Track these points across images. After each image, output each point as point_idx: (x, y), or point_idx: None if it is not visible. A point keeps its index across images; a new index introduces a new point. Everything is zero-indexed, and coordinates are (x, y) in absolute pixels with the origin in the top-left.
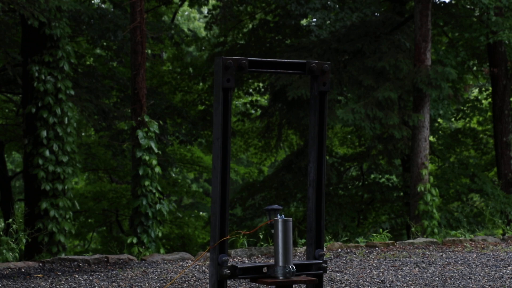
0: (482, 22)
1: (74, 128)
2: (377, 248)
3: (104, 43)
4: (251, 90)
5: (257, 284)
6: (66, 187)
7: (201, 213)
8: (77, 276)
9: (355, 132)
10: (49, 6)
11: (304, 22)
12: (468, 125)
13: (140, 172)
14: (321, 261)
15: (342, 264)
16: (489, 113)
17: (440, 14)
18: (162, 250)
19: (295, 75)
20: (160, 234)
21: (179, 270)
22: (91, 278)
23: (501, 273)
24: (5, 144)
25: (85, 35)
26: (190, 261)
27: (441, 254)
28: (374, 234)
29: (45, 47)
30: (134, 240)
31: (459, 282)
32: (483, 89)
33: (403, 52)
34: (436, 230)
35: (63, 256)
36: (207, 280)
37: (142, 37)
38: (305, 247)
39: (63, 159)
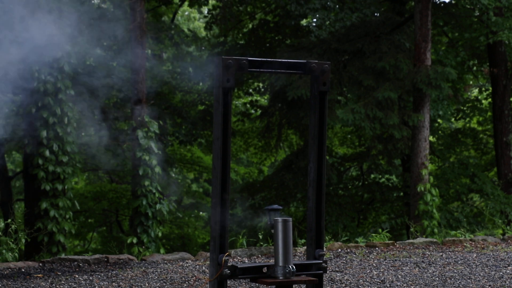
0: (482, 22)
1: (74, 128)
2: (377, 248)
3: (104, 43)
4: (251, 90)
5: (257, 284)
6: (66, 187)
7: (201, 213)
8: (77, 276)
9: (355, 132)
10: (49, 6)
11: (304, 22)
12: (468, 125)
13: (140, 172)
14: (321, 261)
15: (342, 264)
16: (489, 113)
17: (440, 14)
18: (162, 250)
19: (295, 75)
20: (160, 234)
21: (179, 270)
22: (91, 278)
23: (501, 273)
24: (5, 144)
25: (85, 35)
26: (190, 261)
27: (441, 254)
28: (374, 234)
29: (45, 47)
30: (134, 240)
31: (459, 282)
32: (483, 89)
33: (403, 52)
34: (436, 230)
35: (63, 256)
36: (207, 280)
37: (142, 37)
38: (305, 247)
39: (63, 159)
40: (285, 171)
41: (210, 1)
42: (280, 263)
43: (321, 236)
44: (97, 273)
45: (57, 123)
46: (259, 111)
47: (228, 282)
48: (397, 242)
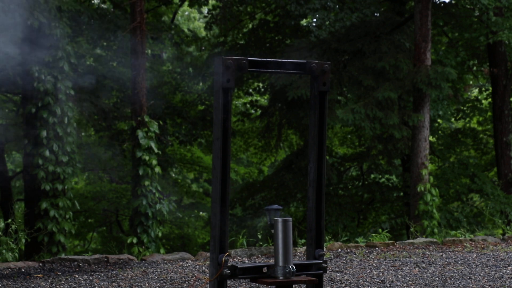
0: (482, 22)
1: (74, 128)
2: (377, 248)
3: (104, 43)
4: (251, 90)
5: (257, 284)
6: (66, 187)
7: (201, 213)
8: (77, 276)
9: (355, 132)
10: (49, 6)
11: (304, 22)
12: (468, 125)
13: (140, 172)
14: (321, 261)
15: (342, 264)
16: (489, 113)
17: (440, 14)
18: (162, 250)
19: (295, 75)
20: (160, 234)
21: (179, 270)
22: (91, 278)
23: (501, 273)
24: (5, 144)
25: (85, 35)
26: (190, 261)
27: (441, 254)
28: (374, 234)
29: (45, 47)
30: (134, 240)
31: (459, 282)
32: (483, 89)
33: (403, 52)
34: (436, 230)
35: (63, 256)
36: (207, 280)
37: (142, 37)
38: (305, 247)
39: (63, 159)
40: (285, 171)
41: (210, 1)
42: (280, 263)
43: (321, 236)
44: (97, 273)
45: (57, 123)
46: (259, 111)
47: (228, 282)
48: (397, 242)
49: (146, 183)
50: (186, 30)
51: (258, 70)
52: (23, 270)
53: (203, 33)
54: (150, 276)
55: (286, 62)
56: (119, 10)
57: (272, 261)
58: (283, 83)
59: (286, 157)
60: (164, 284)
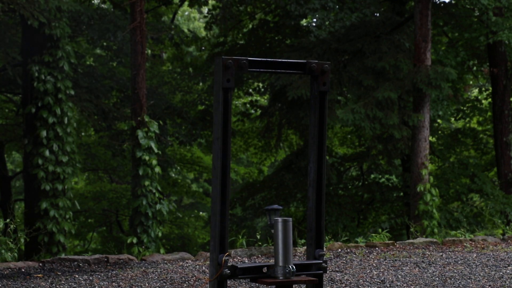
0: (482, 22)
1: (74, 128)
2: (377, 248)
3: (104, 43)
4: (251, 90)
5: (257, 284)
6: (66, 187)
7: (201, 213)
8: (77, 276)
9: (355, 132)
10: (49, 6)
11: (303, 22)
12: (468, 125)
13: (140, 172)
14: (321, 261)
15: (342, 264)
16: (489, 113)
17: (440, 14)
18: (162, 250)
19: (295, 75)
20: (160, 234)
21: (179, 270)
22: (91, 278)
23: (501, 273)
24: (5, 144)
25: (85, 35)
26: (190, 261)
27: (441, 254)
28: (374, 234)
29: (45, 47)
30: (134, 240)
31: (459, 282)
32: (483, 89)
33: (403, 52)
34: (436, 230)
35: (63, 256)
36: (207, 280)
37: (142, 37)
38: (305, 247)
39: (63, 159)
40: (285, 171)
41: (210, 1)
42: (280, 263)
43: (321, 236)
44: (97, 273)
45: (57, 123)
46: (259, 111)
47: (228, 282)
48: (397, 242)
49: (146, 183)
50: (186, 30)
51: (258, 70)
52: (23, 270)
53: (203, 33)
54: (150, 276)
55: (286, 62)
56: (119, 10)
57: (272, 261)
58: (283, 83)
59: (286, 157)
60: (164, 284)
